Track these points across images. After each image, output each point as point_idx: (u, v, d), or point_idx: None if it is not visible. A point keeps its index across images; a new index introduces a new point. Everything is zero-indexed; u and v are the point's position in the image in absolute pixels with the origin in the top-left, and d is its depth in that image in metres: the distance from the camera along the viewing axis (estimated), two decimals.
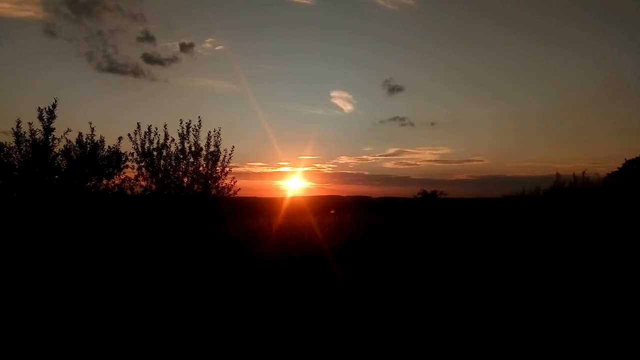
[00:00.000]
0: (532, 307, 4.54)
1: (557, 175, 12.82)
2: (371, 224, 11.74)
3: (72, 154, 9.62)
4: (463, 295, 5.17)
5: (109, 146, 10.20)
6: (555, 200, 11.50)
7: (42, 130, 9.05)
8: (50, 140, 9.14)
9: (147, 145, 10.45)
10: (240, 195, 11.76)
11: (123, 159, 10.41)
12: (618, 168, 17.91)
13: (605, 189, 11.31)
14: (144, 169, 10.50)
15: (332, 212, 19.11)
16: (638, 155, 17.99)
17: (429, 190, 19.06)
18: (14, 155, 8.83)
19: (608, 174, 16.00)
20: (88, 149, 9.84)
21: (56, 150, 9.32)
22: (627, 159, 18.24)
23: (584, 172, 12.53)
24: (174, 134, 10.62)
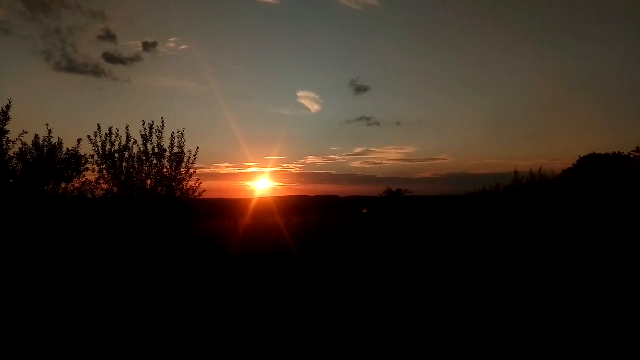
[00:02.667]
0: (489, 298, 4.71)
1: (516, 172, 13.31)
2: (337, 223, 11.87)
3: (29, 157, 9.26)
4: (415, 283, 5.32)
5: (67, 148, 9.87)
6: (514, 196, 11.93)
7: None
8: (4, 142, 8.75)
9: (108, 147, 10.16)
10: (206, 197, 11.62)
11: (83, 162, 10.09)
12: (573, 164, 18.76)
13: (560, 185, 11.81)
14: (105, 171, 10.20)
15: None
16: (591, 152, 18.91)
17: (394, 188, 19.37)
18: None
19: (563, 170, 16.74)
20: (45, 151, 9.49)
21: (11, 153, 8.94)
22: (581, 155, 19.12)
23: (540, 169, 13.07)
24: (136, 135, 10.38)
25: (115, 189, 10.28)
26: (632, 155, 15.79)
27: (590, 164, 15.48)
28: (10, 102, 8.70)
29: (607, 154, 17.28)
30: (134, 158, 10.33)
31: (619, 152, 17.16)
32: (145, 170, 10.43)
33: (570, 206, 9.02)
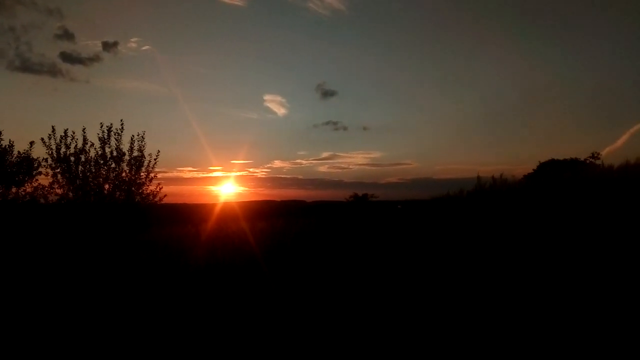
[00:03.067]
0: (453, 302, 4.73)
1: (478, 177, 13.61)
2: (302, 228, 11.77)
3: None
4: (376, 286, 5.30)
5: (19, 151, 9.43)
6: (476, 201, 12.17)
7: None
8: None
9: (63, 150, 9.73)
10: (168, 202, 11.32)
11: (35, 165, 9.65)
12: (533, 170, 19.40)
13: (520, 190, 12.14)
14: (59, 175, 9.76)
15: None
16: (550, 158, 19.63)
17: (360, 193, 19.52)
18: None
19: (524, 175, 17.26)
20: None
21: None
22: (541, 161, 19.83)
23: (501, 175, 13.41)
24: (94, 138, 9.98)
25: (71, 194, 9.87)
26: (587, 161, 16.51)
27: (549, 169, 16.03)
28: None
29: (565, 160, 18.02)
30: (90, 161, 9.95)
31: (576, 157, 17.95)
32: (103, 174, 10.06)
33: (529, 210, 9.26)
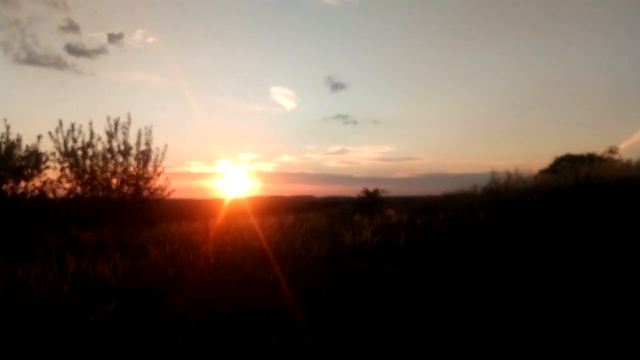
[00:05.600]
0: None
1: (493, 172, 13.41)
2: (313, 224, 11.67)
3: None
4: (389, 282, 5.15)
5: (27, 145, 9.37)
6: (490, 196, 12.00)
7: None
8: None
9: (70, 144, 9.64)
10: (176, 197, 11.24)
11: (43, 159, 9.59)
12: (548, 165, 19.12)
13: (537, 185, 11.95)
14: (67, 169, 9.69)
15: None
16: (566, 153, 19.37)
17: (371, 188, 19.31)
18: None
19: (539, 170, 17.03)
20: (2, 148, 8.98)
21: None
22: (557, 156, 19.56)
23: (516, 169, 13.21)
24: (100, 131, 9.89)
25: (79, 188, 9.79)
26: (605, 156, 16.23)
27: (565, 164, 15.78)
28: None
29: (581, 155, 17.76)
30: (98, 156, 9.85)
31: (593, 152, 17.71)
32: (111, 168, 9.96)
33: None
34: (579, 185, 10.17)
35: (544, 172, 16.45)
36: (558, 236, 7.63)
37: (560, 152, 19.60)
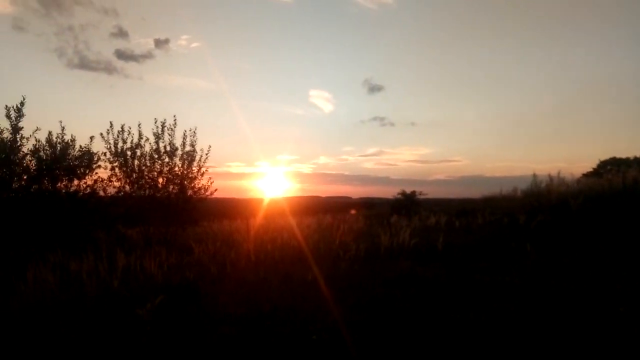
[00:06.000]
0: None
1: (534, 175, 13.04)
2: (350, 225, 11.70)
3: (42, 153, 9.26)
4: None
5: (80, 146, 9.88)
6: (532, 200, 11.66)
7: (10, 129, 8.67)
8: (18, 139, 8.76)
9: (120, 144, 10.13)
10: (217, 196, 11.55)
11: (95, 159, 10.08)
12: (592, 168, 18.35)
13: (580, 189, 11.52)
14: (117, 169, 10.19)
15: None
16: (611, 157, 18.52)
17: (408, 190, 19.13)
18: None
19: (583, 174, 16.38)
20: (58, 148, 9.49)
21: (25, 150, 8.95)
22: (601, 159, 18.73)
23: (559, 173, 12.79)
24: (148, 133, 10.34)
25: (127, 187, 10.27)
26: None
27: (610, 167, 15.12)
28: (24, 99, 8.72)
29: (627, 158, 16.95)
30: (145, 156, 10.30)
31: None
32: (157, 168, 10.39)
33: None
34: (627, 189, 9.75)
35: (587, 175, 15.81)
36: (604, 242, 7.36)
37: (605, 155, 18.79)
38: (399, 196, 19.17)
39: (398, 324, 4.14)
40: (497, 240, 8.79)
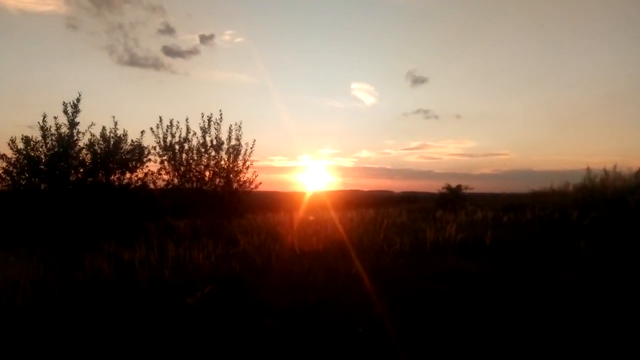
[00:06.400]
0: None
1: (588, 169, 12.43)
2: (393, 219, 11.58)
3: (96, 147, 9.67)
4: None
5: (132, 140, 10.24)
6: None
7: (67, 124, 9.09)
8: (75, 134, 9.19)
9: (169, 139, 10.45)
10: (260, 190, 11.70)
11: (145, 153, 10.44)
12: None
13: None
14: (166, 162, 10.52)
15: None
16: None
17: (453, 184, 18.72)
18: (41, 149, 8.91)
19: None
20: (112, 142, 9.88)
21: (81, 144, 9.38)
22: None
23: (615, 166, 12.13)
24: (195, 127, 10.61)
25: (176, 180, 10.59)
26: None
27: None
28: (80, 96, 9.12)
29: None
30: (193, 150, 10.58)
31: None
32: (204, 161, 10.64)
33: None
34: None
35: None
36: None
37: None
38: (444, 190, 18.77)
39: (444, 319, 4.06)
40: (547, 236, 8.48)
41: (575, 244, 7.16)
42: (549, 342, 3.43)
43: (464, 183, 18.68)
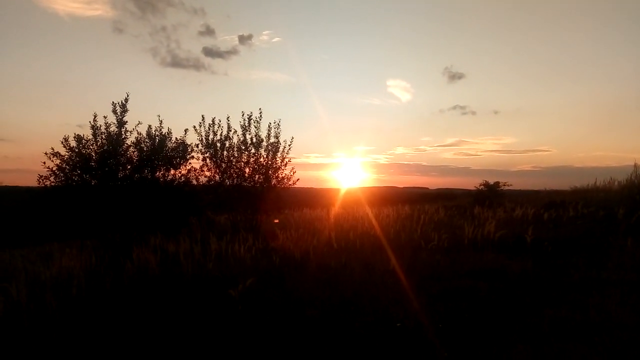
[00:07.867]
0: None
1: (635, 165, 11.95)
2: (430, 216, 11.54)
3: (143, 145, 10.12)
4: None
5: (176, 138, 10.66)
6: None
7: (116, 123, 9.58)
8: (123, 132, 9.66)
9: (211, 136, 10.86)
10: (297, 186, 11.93)
11: (189, 150, 10.84)
12: None
13: None
14: (208, 159, 10.94)
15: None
16: None
17: (491, 181, 18.34)
18: (91, 147, 9.43)
19: None
20: (157, 140, 10.31)
21: (128, 142, 9.85)
22: None
23: None
24: (235, 125, 10.98)
25: (217, 176, 11.00)
26: None
27: None
28: (128, 96, 9.59)
29: None
30: (233, 147, 10.95)
31: None
32: (244, 159, 11.00)
33: None
34: None
35: None
36: None
37: None
38: (482, 187, 18.43)
39: (483, 316, 4.10)
40: (591, 234, 8.26)
41: (620, 243, 6.95)
42: (592, 344, 3.41)
43: (502, 180, 18.27)
